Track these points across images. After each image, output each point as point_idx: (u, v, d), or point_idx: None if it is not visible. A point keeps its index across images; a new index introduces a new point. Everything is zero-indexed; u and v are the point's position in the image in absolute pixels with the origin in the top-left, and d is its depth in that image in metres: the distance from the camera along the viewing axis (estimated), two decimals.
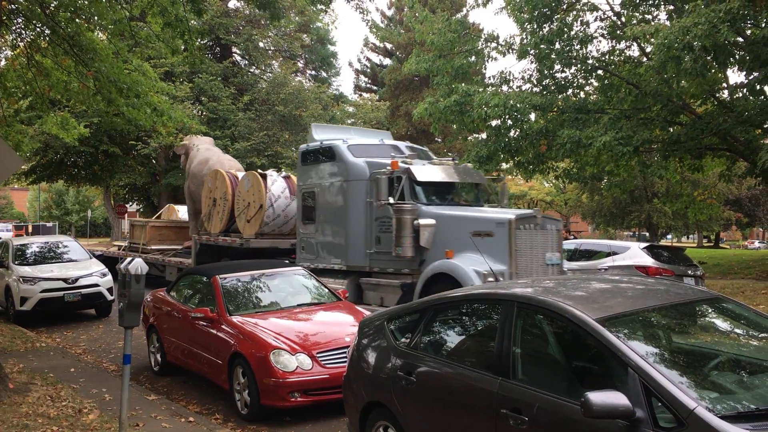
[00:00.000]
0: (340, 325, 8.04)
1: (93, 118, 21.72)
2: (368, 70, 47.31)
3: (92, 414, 7.15)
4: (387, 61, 45.23)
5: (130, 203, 36.36)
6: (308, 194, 13.01)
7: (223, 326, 7.96)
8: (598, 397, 3.36)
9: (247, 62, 32.04)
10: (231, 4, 30.47)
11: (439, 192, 11.60)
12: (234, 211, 15.51)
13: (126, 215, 36.40)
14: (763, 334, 4.40)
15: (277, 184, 14.82)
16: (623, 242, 15.63)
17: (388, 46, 45.17)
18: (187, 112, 20.26)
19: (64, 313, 14.77)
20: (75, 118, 18.98)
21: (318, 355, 7.22)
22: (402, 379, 4.94)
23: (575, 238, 27.03)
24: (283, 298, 8.88)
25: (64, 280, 14.02)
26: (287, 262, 13.82)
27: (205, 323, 8.26)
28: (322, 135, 13.38)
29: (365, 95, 44.11)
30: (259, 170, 17.38)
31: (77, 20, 9.97)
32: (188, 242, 18.03)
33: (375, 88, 46.04)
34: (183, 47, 10.77)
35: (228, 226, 15.90)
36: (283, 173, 15.49)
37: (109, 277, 14.65)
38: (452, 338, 5.17)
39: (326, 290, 9.36)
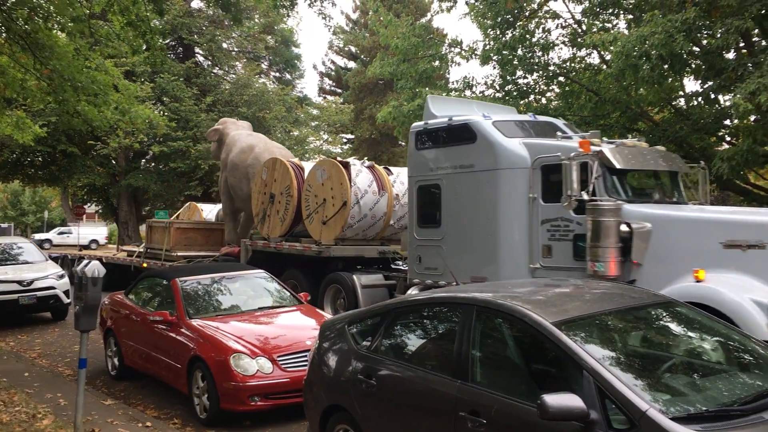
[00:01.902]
0: (301, 328, 8.00)
1: (51, 117, 21.27)
2: (333, 73, 47.24)
3: (46, 419, 7.00)
4: (351, 64, 45.22)
5: (89, 204, 35.66)
6: (428, 188, 9.83)
7: (183, 330, 7.87)
8: (554, 400, 3.42)
9: (210, 63, 31.70)
10: (194, 4, 30.09)
11: (639, 184, 8.76)
12: (301, 210, 12.63)
13: (84, 216, 35.71)
14: (714, 338, 4.52)
15: (362, 175, 11.96)
16: None
17: (353, 49, 45.18)
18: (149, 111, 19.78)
19: (19, 316, 14.42)
20: (32, 117, 18.61)
21: (279, 359, 7.19)
22: (362, 382, 4.95)
23: None
24: (244, 302, 8.82)
25: (19, 282, 13.68)
26: (393, 274, 11.51)
27: (164, 326, 8.16)
28: (444, 110, 10.20)
29: (329, 98, 44.02)
30: (338, 158, 14.34)
31: (36, 17, 9.78)
32: (226, 248, 15.26)
33: (339, 90, 45.99)
34: (145, 47, 10.64)
35: (291, 229, 13.03)
36: (366, 162, 12.65)
37: (66, 279, 14.37)
38: (413, 342, 5.19)
39: (288, 293, 9.33)
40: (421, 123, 10.24)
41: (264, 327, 8.04)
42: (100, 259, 18.73)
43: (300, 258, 12.53)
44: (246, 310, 8.57)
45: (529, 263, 8.60)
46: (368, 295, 11.19)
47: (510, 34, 16.81)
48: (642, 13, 13.86)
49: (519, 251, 8.68)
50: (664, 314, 4.68)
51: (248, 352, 7.16)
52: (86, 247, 37.40)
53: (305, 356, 6.80)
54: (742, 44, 13.60)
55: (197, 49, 30.51)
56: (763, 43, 13.05)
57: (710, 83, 14.36)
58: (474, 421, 4.04)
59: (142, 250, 17.79)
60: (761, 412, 3.41)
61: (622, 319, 4.51)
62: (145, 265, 16.46)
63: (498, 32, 17.02)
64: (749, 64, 12.31)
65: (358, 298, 11.15)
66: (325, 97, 44.46)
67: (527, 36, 16.56)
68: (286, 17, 26.73)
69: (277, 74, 35.88)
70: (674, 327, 4.67)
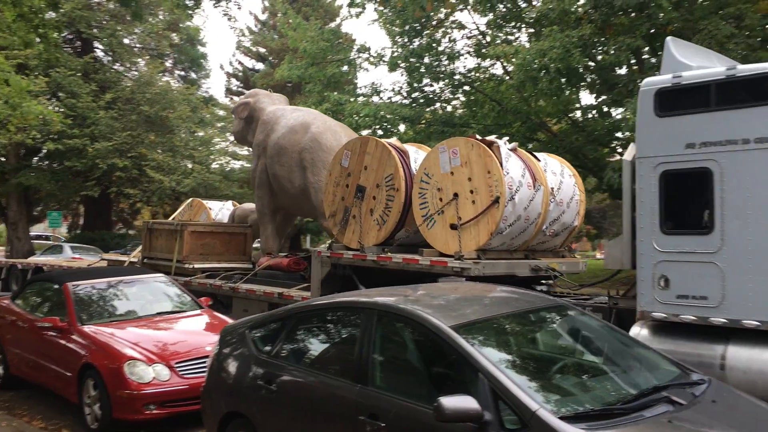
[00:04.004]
0: (201, 334, 7.82)
1: None
2: (240, 74, 46.41)
3: None
4: (260, 66, 44.62)
5: None
6: (686, 174, 6.40)
7: (74, 336, 7.53)
8: (450, 402, 3.49)
9: (110, 59, 30.52)
10: None
11: None
12: (412, 209, 8.80)
13: None
14: (602, 340, 4.75)
15: (512, 161, 8.27)
16: None
17: (261, 50, 44.64)
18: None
19: None
20: None
21: (177, 366, 6.99)
22: (262, 388, 4.89)
23: None
24: (141, 306, 8.52)
25: None
26: (568, 305, 6.27)
27: (53, 333, 7.77)
28: (694, 58, 6.79)
29: (236, 99, 43.30)
30: (476, 136, 8.81)
31: None
32: (267, 258, 11.93)
33: (246, 92, 45.36)
34: (38, 40, 10.13)
35: (392, 235, 9.10)
36: (508, 143, 8.90)
37: None
38: (314, 346, 5.17)
39: (189, 298, 9.09)
40: (666, 77, 6.57)
41: (162, 333, 7.79)
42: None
43: (414, 276, 8.46)
44: (144, 315, 8.28)
45: None
46: None
47: (417, 42, 17.12)
48: (542, 27, 14.42)
49: None
50: (557, 318, 4.87)
51: (144, 358, 6.93)
52: None
53: (205, 362, 6.63)
54: (633, 61, 14.38)
55: (97, 44, 29.33)
56: (653, 60, 13.85)
57: (604, 97, 15.10)
58: (373, 425, 4.06)
59: (134, 259, 14.37)
60: (642, 411, 3.60)
61: (518, 323, 4.66)
62: None
63: (406, 40, 17.30)
64: (639, 81, 13.04)
65: None
66: (231, 98, 43.63)
67: (434, 45, 16.92)
68: (190, 16, 26.16)
69: (182, 73, 35.04)
70: (566, 330, 4.87)
